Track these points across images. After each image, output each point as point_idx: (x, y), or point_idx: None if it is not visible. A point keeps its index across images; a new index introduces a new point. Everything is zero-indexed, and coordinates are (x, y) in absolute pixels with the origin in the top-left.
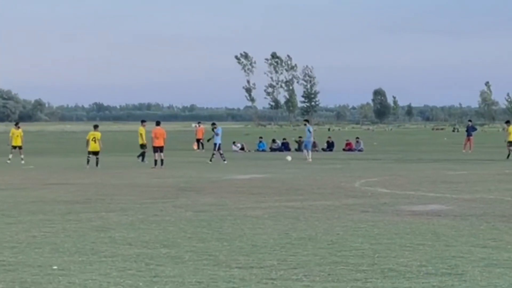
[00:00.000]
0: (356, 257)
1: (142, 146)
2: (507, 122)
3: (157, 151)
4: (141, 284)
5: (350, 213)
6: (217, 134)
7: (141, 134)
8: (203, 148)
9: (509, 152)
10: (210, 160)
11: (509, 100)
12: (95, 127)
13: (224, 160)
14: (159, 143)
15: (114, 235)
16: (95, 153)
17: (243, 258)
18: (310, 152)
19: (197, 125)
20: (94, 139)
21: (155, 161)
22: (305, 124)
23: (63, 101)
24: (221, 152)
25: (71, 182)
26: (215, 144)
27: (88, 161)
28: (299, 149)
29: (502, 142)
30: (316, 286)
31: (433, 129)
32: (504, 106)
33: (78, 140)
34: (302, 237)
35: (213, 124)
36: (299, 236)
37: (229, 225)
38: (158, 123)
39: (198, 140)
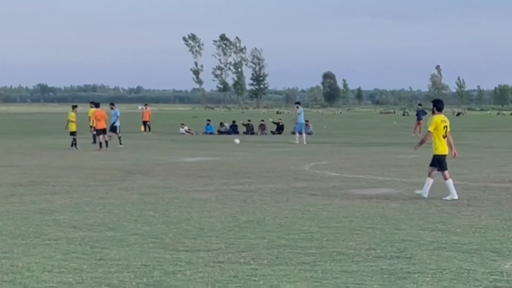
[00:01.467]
0: (304, 241)
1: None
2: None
3: (100, 134)
4: (85, 267)
5: (299, 196)
6: (117, 116)
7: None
8: (149, 130)
9: None
10: (121, 144)
11: (459, 84)
12: (74, 107)
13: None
14: (101, 125)
15: (58, 218)
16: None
17: (190, 241)
18: (304, 134)
19: (144, 108)
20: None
21: (100, 143)
22: (297, 107)
23: (6, 82)
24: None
25: (15, 164)
26: (116, 127)
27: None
28: (247, 132)
29: (452, 126)
30: (264, 269)
31: (381, 112)
32: (454, 90)
33: (22, 122)
34: (250, 220)
35: (112, 104)
36: (247, 219)
37: (175, 208)
38: (97, 105)
39: (144, 123)
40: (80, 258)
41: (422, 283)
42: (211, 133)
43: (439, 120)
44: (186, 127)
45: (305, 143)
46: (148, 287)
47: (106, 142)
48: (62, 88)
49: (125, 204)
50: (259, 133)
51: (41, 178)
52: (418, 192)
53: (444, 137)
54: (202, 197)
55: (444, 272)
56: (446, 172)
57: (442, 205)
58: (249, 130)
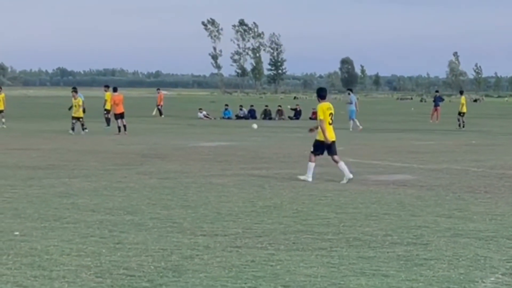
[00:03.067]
0: (321, 226)
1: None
2: (461, 92)
3: (118, 118)
4: (104, 250)
5: (316, 182)
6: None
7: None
8: (161, 114)
9: (460, 122)
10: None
11: (476, 70)
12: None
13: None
14: (119, 109)
15: (77, 201)
16: (79, 118)
17: (207, 225)
18: (356, 121)
19: (158, 92)
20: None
21: (119, 127)
22: (348, 94)
23: (26, 66)
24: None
25: (34, 148)
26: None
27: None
28: (265, 118)
29: (469, 113)
30: (281, 254)
31: (398, 99)
32: (472, 77)
33: (41, 105)
34: (267, 205)
35: (74, 89)
36: (264, 204)
37: (193, 193)
38: (115, 89)
39: (158, 107)
40: (98, 242)
41: (439, 269)
42: (229, 118)
43: (325, 108)
44: (204, 112)
45: (351, 129)
46: (166, 271)
47: (125, 126)
48: (82, 72)
49: (143, 188)
50: (276, 118)
51: (59, 162)
52: (302, 177)
53: (330, 123)
54: (220, 182)
55: (461, 259)
56: (336, 157)
57: (459, 192)
58: (267, 115)
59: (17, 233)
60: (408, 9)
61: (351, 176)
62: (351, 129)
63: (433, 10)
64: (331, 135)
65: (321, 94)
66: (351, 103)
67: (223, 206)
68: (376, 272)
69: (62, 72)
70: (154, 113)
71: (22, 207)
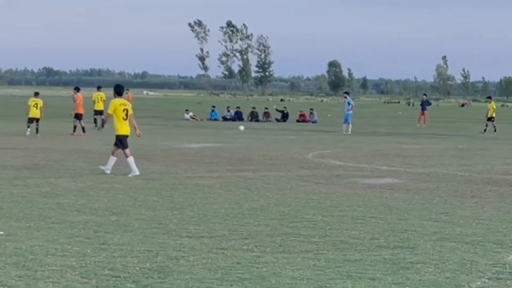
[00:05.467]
0: (307, 229)
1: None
2: (489, 97)
3: (81, 118)
4: (89, 251)
5: (303, 184)
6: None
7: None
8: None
9: (486, 127)
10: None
11: (464, 75)
12: (36, 94)
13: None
14: (81, 110)
15: (62, 201)
16: (37, 120)
17: (193, 227)
18: (350, 126)
19: (127, 92)
20: (36, 105)
21: (74, 127)
22: (345, 97)
23: (12, 65)
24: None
25: (19, 147)
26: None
27: (28, 127)
28: (252, 119)
29: (456, 117)
30: (267, 256)
31: (385, 102)
32: (459, 81)
33: (27, 105)
34: (253, 207)
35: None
36: (251, 206)
37: (179, 194)
38: (98, 88)
39: None
40: (83, 242)
41: (425, 273)
42: (215, 119)
43: (118, 104)
44: (191, 113)
45: (344, 132)
46: (151, 272)
47: (83, 128)
48: (68, 71)
49: (129, 189)
50: (264, 120)
51: (45, 162)
52: (102, 167)
53: (124, 119)
54: (206, 183)
55: (447, 263)
56: (127, 151)
57: (445, 196)
58: (254, 117)
59: (1, 232)
60: (396, 13)
61: (137, 173)
62: (344, 132)
63: (421, 14)
64: (124, 130)
65: (118, 91)
66: (350, 107)
67: (209, 207)
68: (362, 275)
69: (48, 71)
70: None
71: (7, 207)
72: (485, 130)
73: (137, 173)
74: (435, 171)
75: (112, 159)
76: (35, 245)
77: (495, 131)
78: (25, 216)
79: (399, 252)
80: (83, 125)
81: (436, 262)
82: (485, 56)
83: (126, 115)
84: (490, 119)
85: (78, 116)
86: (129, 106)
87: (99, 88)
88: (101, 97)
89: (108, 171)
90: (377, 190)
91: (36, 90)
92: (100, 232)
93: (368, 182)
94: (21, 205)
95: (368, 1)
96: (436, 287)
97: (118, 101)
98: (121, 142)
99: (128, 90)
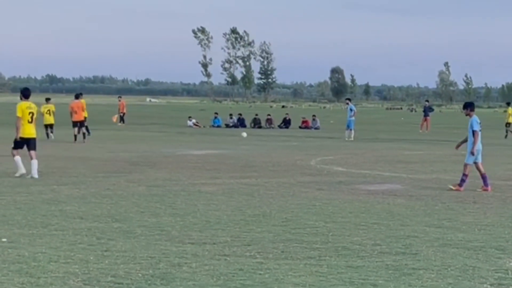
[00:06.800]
0: (310, 235)
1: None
2: (508, 103)
3: (75, 126)
4: (92, 258)
5: (305, 190)
6: None
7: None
8: (123, 122)
9: (507, 133)
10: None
11: (467, 81)
12: (47, 100)
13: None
14: (78, 117)
15: (65, 208)
16: (51, 126)
17: (196, 234)
18: (352, 132)
19: (119, 100)
20: (48, 112)
21: (75, 136)
22: (347, 103)
23: (15, 72)
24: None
25: (22, 154)
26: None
27: (48, 135)
28: (254, 126)
29: (458, 123)
30: (270, 263)
31: (387, 108)
32: (462, 87)
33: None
34: (256, 214)
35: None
36: (253, 213)
37: (182, 201)
38: (77, 97)
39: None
40: (86, 249)
41: (427, 279)
42: (218, 126)
43: (24, 107)
44: (193, 120)
45: (346, 139)
46: (154, 278)
47: (84, 134)
48: (71, 79)
49: (132, 196)
50: (266, 127)
51: (48, 169)
52: (16, 174)
53: (29, 122)
54: (209, 190)
55: (449, 269)
56: (33, 152)
57: (448, 202)
58: (257, 123)
59: (4, 239)
60: (398, 19)
61: (24, 171)
62: (346, 138)
63: (423, 20)
64: (29, 132)
65: (25, 94)
66: (352, 113)
67: (212, 214)
68: (364, 281)
69: (51, 79)
70: (115, 120)
71: (10, 214)
72: (505, 136)
73: (23, 171)
74: (437, 177)
75: (18, 159)
76: (38, 252)
77: (506, 137)
78: (28, 223)
79: (402, 258)
80: (75, 133)
81: (439, 268)
82: (488, 62)
83: (32, 118)
84: (508, 124)
85: (74, 124)
86: (35, 110)
87: (47, 100)
88: (50, 109)
89: (23, 171)
90: (380, 196)
91: (47, 96)
92: (103, 239)
93: (370, 188)
94: (24, 212)
95: (370, 7)
96: None
97: (24, 104)
98: (18, 144)
99: (120, 97)
